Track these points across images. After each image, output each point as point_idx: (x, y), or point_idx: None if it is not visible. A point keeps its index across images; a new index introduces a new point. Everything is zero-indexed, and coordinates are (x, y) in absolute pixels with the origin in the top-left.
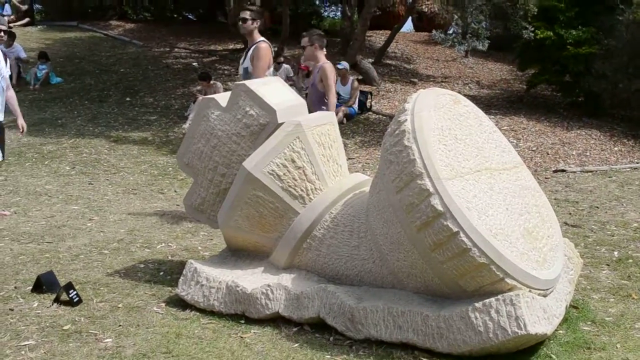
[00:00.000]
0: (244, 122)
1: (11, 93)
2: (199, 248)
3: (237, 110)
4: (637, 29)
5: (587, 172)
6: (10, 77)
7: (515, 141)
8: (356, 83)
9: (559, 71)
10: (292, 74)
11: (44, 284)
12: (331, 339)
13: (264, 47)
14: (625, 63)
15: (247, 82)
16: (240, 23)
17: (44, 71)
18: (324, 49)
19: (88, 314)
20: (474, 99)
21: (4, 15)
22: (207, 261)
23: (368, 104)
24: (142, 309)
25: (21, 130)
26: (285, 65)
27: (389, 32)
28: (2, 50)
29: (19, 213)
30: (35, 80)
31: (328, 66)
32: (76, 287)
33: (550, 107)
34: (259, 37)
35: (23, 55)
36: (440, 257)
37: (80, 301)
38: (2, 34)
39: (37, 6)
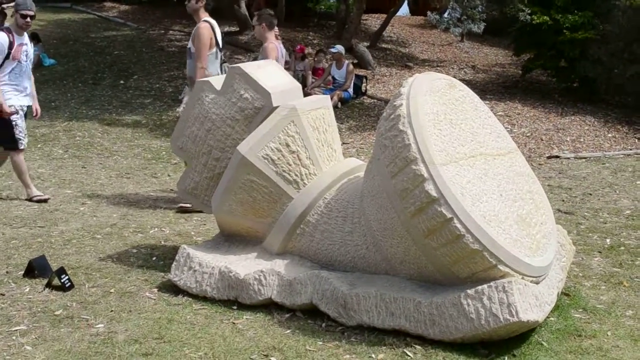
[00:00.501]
0: (239, 105)
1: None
2: (192, 233)
3: (232, 93)
4: (633, 14)
5: (581, 158)
6: None
7: (509, 127)
8: (351, 67)
9: (554, 56)
10: (288, 58)
11: (35, 269)
12: (323, 325)
13: (203, 26)
14: (621, 48)
15: (242, 65)
16: (185, 2)
17: (35, 53)
18: (274, 29)
19: (80, 299)
20: (469, 83)
21: None
22: (200, 246)
23: (363, 88)
24: (134, 295)
25: (35, 115)
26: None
27: (384, 15)
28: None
29: (11, 197)
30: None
31: (271, 46)
32: (68, 272)
33: (545, 93)
34: (204, 17)
35: None
36: (434, 243)
37: (72, 286)
38: (28, 19)
39: None
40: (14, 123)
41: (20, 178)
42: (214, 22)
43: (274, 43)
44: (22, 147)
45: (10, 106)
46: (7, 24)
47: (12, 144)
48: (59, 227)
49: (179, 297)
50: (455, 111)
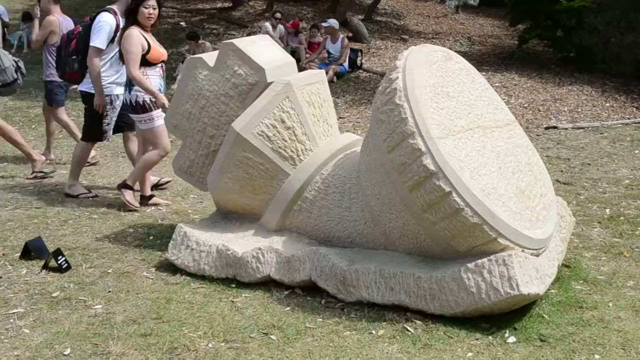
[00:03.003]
0: (233, 81)
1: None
2: (189, 211)
3: (226, 69)
4: None
5: (579, 128)
6: None
7: (506, 98)
8: (346, 41)
9: (550, 26)
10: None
11: (32, 251)
12: (323, 301)
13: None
14: (618, 17)
15: (235, 41)
16: None
17: (26, 32)
18: (59, 3)
19: (77, 280)
20: (465, 55)
21: None
22: (197, 225)
23: (358, 62)
24: (131, 275)
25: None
26: (280, 26)
27: None
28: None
29: (6, 178)
30: (19, 42)
31: (52, 19)
32: (65, 253)
33: (542, 63)
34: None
35: (6, 18)
36: (433, 217)
37: (69, 267)
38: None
39: None
40: (105, 114)
41: (74, 168)
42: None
43: (55, 17)
44: (108, 141)
45: (107, 96)
46: (114, 6)
47: (96, 136)
48: (55, 207)
49: (177, 276)
50: (452, 84)
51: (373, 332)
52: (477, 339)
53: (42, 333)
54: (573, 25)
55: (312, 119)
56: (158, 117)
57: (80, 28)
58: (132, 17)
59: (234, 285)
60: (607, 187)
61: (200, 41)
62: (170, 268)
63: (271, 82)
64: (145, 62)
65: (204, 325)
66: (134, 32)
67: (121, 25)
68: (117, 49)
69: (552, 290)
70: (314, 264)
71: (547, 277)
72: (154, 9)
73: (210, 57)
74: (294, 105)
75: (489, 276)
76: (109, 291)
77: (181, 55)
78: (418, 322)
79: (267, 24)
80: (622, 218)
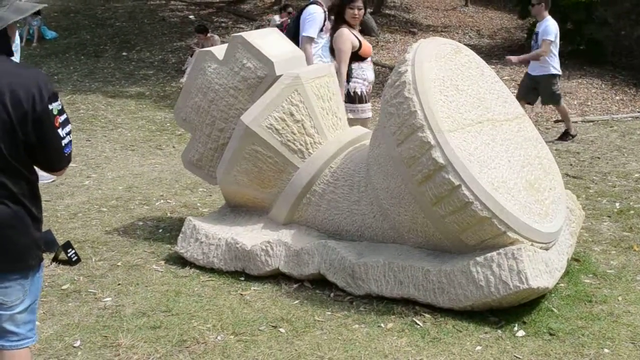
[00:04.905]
0: (242, 75)
1: None
2: (198, 204)
3: (234, 63)
4: None
5: (588, 122)
6: None
7: (515, 91)
8: None
9: (560, 19)
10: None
11: (42, 244)
12: (332, 295)
13: None
14: (628, 9)
15: (244, 34)
16: None
17: (35, 26)
18: None
19: (87, 273)
20: (474, 48)
21: None
22: (206, 218)
23: None
24: (141, 267)
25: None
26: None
27: None
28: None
29: None
30: (28, 36)
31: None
32: (75, 246)
33: None
34: None
35: None
36: (442, 211)
37: (78, 260)
38: None
39: None
40: None
41: None
42: None
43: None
44: None
45: None
46: None
47: None
48: (64, 200)
49: (186, 269)
50: (461, 77)
51: (382, 325)
52: (486, 333)
53: (52, 325)
54: (582, 19)
55: (321, 112)
56: (368, 110)
57: (289, 21)
58: (340, 16)
59: (242, 278)
60: (616, 180)
61: (209, 34)
62: (180, 261)
63: (280, 75)
64: (359, 57)
65: (213, 318)
66: (345, 31)
67: (327, 16)
68: (326, 39)
69: (562, 284)
70: (322, 257)
71: (557, 271)
72: (359, 9)
73: (219, 50)
74: (303, 98)
75: (498, 270)
76: (119, 284)
77: (190, 49)
78: (427, 315)
79: (276, 17)
80: (631, 212)
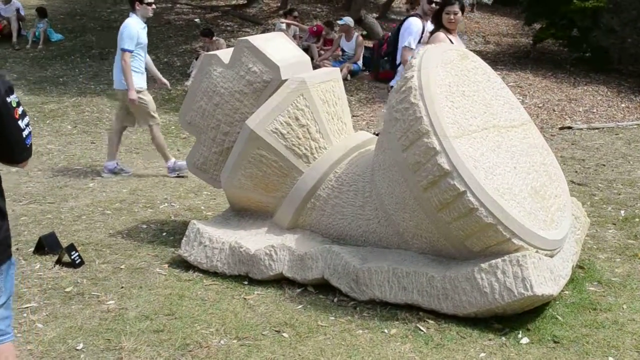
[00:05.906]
0: (247, 79)
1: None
2: (202, 208)
3: (240, 67)
4: None
5: (594, 129)
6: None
7: (521, 97)
8: (360, 39)
9: (566, 26)
10: (298, 32)
11: (45, 246)
12: (335, 300)
13: None
14: (635, 17)
15: (250, 38)
16: None
17: (41, 29)
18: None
19: (90, 276)
20: (480, 54)
21: None
22: (210, 221)
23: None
24: (144, 270)
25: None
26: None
27: None
28: None
29: (20, 173)
30: (34, 38)
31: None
32: (78, 249)
33: (557, 63)
34: None
35: (22, 12)
36: (447, 217)
37: (82, 263)
38: (433, 5)
39: None
40: None
41: None
42: None
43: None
44: None
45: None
46: (418, 11)
47: None
48: (68, 203)
49: (190, 273)
50: (467, 83)
51: (385, 331)
52: (490, 340)
53: (55, 328)
54: (588, 26)
55: (326, 116)
56: None
57: (390, 34)
58: (437, 21)
59: (246, 283)
60: (622, 188)
61: (214, 38)
62: (183, 264)
63: (286, 80)
64: None
65: (216, 322)
66: (440, 35)
67: (426, 28)
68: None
69: (566, 292)
70: (326, 262)
71: (561, 278)
72: (455, 14)
73: (224, 54)
74: (308, 103)
75: (502, 276)
76: (122, 287)
77: (195, 52)
78: (431, 321)
79: (282, 21)
80: (637, 219)
